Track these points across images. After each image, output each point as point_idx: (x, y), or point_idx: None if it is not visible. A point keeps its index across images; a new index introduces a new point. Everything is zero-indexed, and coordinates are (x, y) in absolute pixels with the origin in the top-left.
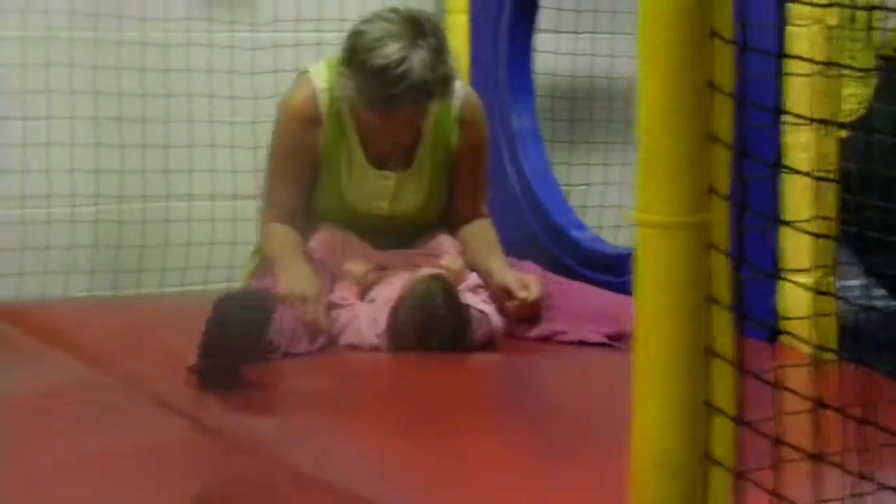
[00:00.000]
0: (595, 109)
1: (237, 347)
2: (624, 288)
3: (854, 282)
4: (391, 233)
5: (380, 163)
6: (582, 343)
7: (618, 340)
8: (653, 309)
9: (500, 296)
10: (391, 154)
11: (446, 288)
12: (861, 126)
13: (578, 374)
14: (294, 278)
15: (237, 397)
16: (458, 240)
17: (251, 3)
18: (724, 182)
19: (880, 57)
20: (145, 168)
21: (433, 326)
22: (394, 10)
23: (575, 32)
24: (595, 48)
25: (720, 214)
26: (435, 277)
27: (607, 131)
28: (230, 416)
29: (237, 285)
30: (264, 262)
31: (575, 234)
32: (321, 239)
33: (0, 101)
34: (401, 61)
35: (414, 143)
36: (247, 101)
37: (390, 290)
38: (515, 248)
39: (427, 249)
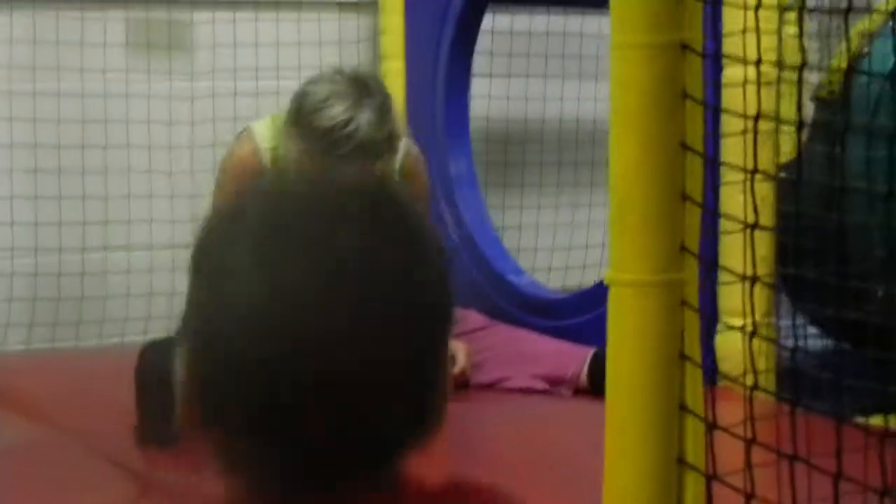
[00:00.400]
0: (528, 153)
1: (167, 395)
2: (564, 332)
3: (789, 322)
4: None
5: None
6: (525, 390)
7: (560, 386)
8: (626, 366)
9: None
10: None
11: None
12: (794, 168)
13: (523, 423)
14: None
15: (185, 453)
16: None
17: (189, 54)
18: (694, 240)
19: (814, 99)
20: (85, 220)
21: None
22: (338, 72)
23: (508, 76)
24: (528, 91)
25: (691, 272)
26: None
27: (540, 173)
28: (179, 473)
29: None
30: None
31: (513, 279)
32: None
33: None
34: (347, 122)
35: None
36: (185, 150)
37: None
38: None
39: None
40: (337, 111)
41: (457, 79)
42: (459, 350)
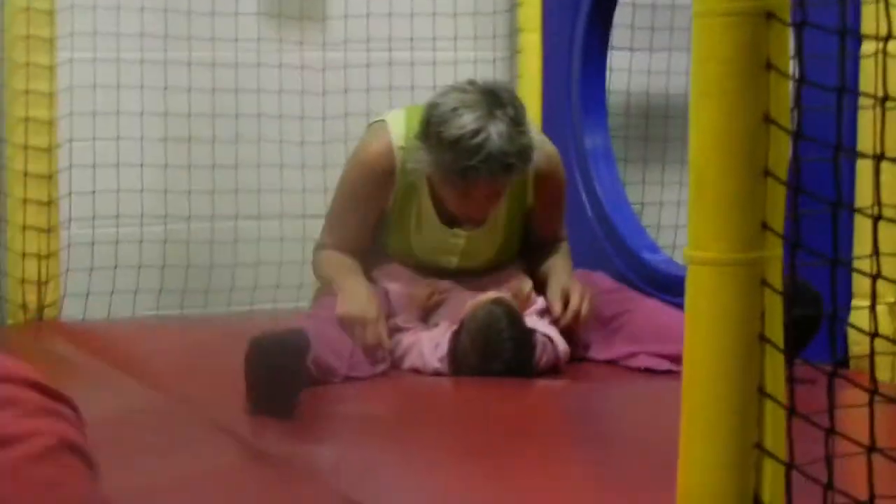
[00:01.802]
0: (669, 128)
1: (276, 391)
2: None
3: None
4: (460, 278)
5: (451, 221)
6: (649, 370)
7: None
8: (703, 348)
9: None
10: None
11: (509, 312)
12: None
13: (643, 403)
14: (352, 299)
15: (294, 423)
16: (530, 258)
17: (321, 23)
18: (778, 218)
19: None
20: (214, 188)
21: (496, 351)
22: (470, 82)
23: (649, 49)
24: (671, 65)
25: (774, 251)
26: (497, 301)
27: (683, 149)
28: (288, 443)
29: (305, 305)
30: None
31: (647, 256)
32: (386, 271)
33: (72, 122)
34: (477, 132)
35: None
36: (316, 120)
37: (454, 314)
38: (586, 267)
39: (493, 276)
40: (466, 120)
41: (594, 52)
42: (575, 292)
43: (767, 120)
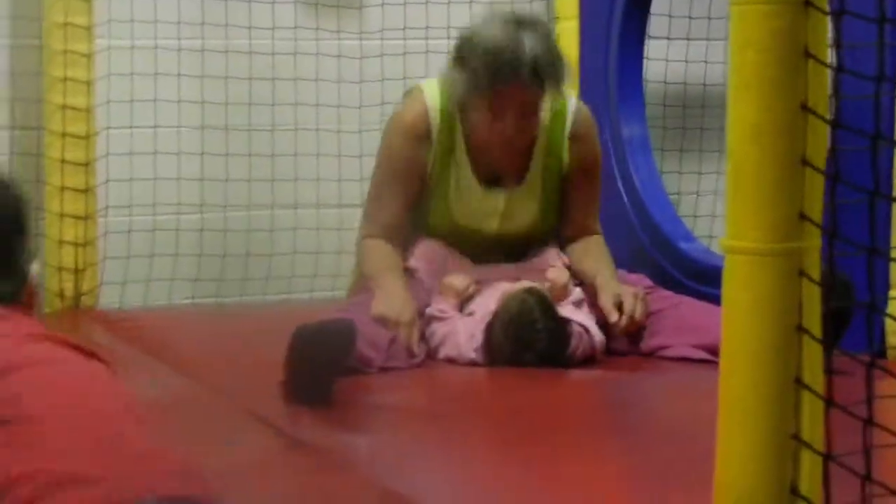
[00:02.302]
0: (707, 117)
1: (318, 380)
2: None
3: None
4: (500, 250)
5: (489, 182)
6: (684, 359)
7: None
8: (740, 338)
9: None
10: (501, 171)
11: (542, 301)
12: None
13: (680, 394)
14: (389, 300)
15: (331, 413)
16: (568, 254)
17: (358, 12)
18: (816, 208)
19: None
20: (251, 177)
21: (530, 341)
22: (503, 11)
23: (687, 39)
24: (708, 55)
25: (812, 241)
26: (530, 291)
27: (720, 139)
28: (323, 432)
29: (342, 294)
30: (364, 278)
31: (683, 245)
32: (422, 252)
33: (109, 110)
34: (510, 39)
35: (524, 160)
36: (353, 109)
37: (490, 303)
38: (623, 258)
39: (532, 264)
40: (499, 31)
41: (632, 40)
42: (628, 297)
43: (805, 109)
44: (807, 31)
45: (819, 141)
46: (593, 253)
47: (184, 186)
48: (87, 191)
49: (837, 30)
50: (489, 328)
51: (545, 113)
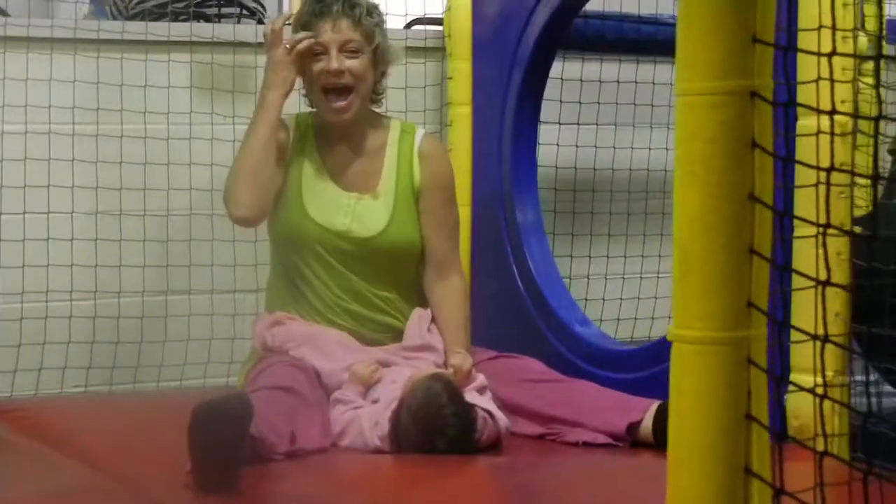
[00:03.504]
0: (597, 201)
1: (220, 454)
2: (632, 385)
3: (862, 377)
4: (359, 265)
5: (343, 186)
6: (586, 444)
7: (620, 440)
8: (688, 427)
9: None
10: (353, 175)
11: (449, 387)
12: (869, 223)
13: (589, 478)
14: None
15: (236, 501)
16: (427, 295)
17: (253, 97)
18: (763, 296)
19: (891, 152)
20: (145, 263)
21: (438, 427)
22: None
23: (577, 124)
24: (598, 139)
25: (760, 329)
26: (436, 377)
27: (609, 223)
28: None
29: (235, 381)
30: (263, 359)
31: (579, 329)
32: (303, 332)
33: (1, 196)
34: None
35: (374, 165)
36: None
37: (393, 389)
38: (518, 342)
39: (423, 339)
40: None
41: (525, 126)
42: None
43: (753, 198)
44: (753, 121)
45: (765, 230)
46: (448, 307)
47: (77, 273)
48: None
49: (786, 120)
50: (396, 415)
51: (395, 132)
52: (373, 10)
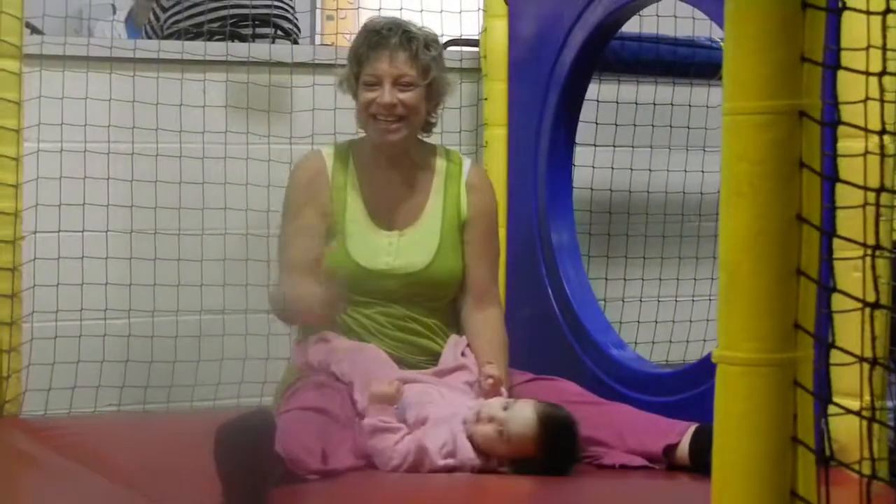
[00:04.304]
0: (632, 224)
1: (247, 472)
2: (666, 408)
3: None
4: (402, 296)
5: (386, 224)
6: (623, 466)
7: (656, 463)
8: (733, 450)
9: None
10: (394, 206)
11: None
12: None
13: (623, 501)
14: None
15: None
16: (464, 325)
17: (289, 117)
18: (810, 318)
19: None
20: (179, 282)
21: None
22: None
23: (613, 146)
24: (634, 162)
25: (806, 351)
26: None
27: (644, 245)
28: None
29: (269, 401)
30: (298, 379)
31: (615, 352)
32: (346, 347)
33: (38, 214)
34: (391, 20)
35: (420, 198)
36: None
37: (443, 406)
38: (553, 364)
39: (457, 362)
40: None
41: (560, 147)
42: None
43: (800, 219)
44: (801, 141)
45: (813, 250)
46: (486, 335)
47: (111, 291)
48: (13, 296)
49: (833, 140)
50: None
51: (441, 161)
52: (430, 44)
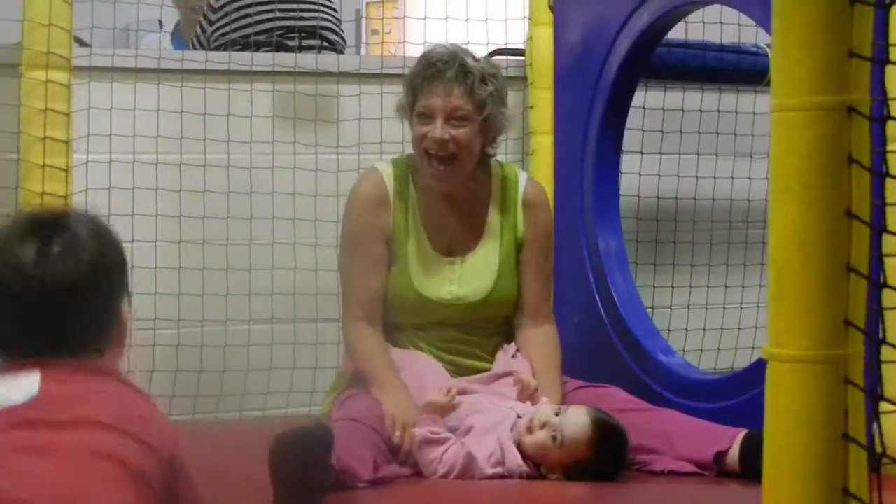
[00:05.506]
0: (679, 231)
1: (302, 485)
2: (715, 415)
3: None
4: (461, 320)
5: (446, 249)
6: (672, 473)
7: (706, 469)
8: (784, 448)
9: None
10: (454, 234)
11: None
12: None
13: None
14: (396, 404)
15: None
16: (518, 340)
17: (335, 126)
18: (860, 314)
19: None
20: (228, 291)
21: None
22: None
23: (660, 153)
24: (680, 169)
25: (857, 348)
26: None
27: (692, 253)
28: None
29: (318, 410)
30: (349, 387)
31: (663, 359)
32: (400, 355)
33: None
34: (447, 51)
35: (478, 224)
36: (330, 224)
37: (490, 415)
38: (601, 370)
39: (508, 367)
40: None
41: (607, 155)
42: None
43: (850, 215)
44: (850, 136)
45: (863, 246)
46: (540, 350)
47: (160, 301)
48: None
49: (882, 135)
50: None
51: (497, 179)
52: (488, 78)
